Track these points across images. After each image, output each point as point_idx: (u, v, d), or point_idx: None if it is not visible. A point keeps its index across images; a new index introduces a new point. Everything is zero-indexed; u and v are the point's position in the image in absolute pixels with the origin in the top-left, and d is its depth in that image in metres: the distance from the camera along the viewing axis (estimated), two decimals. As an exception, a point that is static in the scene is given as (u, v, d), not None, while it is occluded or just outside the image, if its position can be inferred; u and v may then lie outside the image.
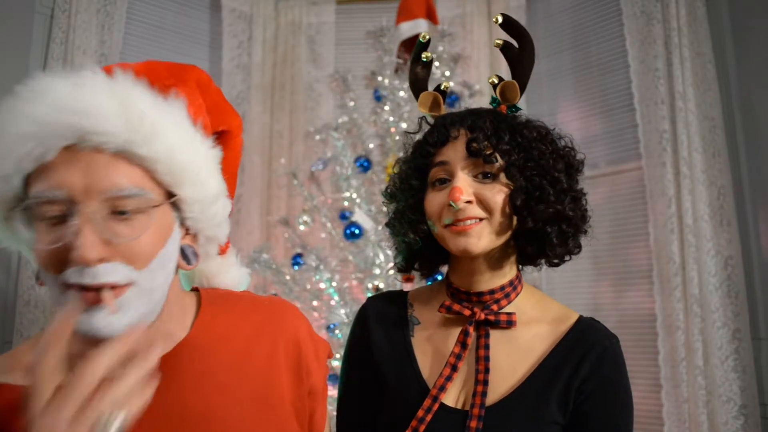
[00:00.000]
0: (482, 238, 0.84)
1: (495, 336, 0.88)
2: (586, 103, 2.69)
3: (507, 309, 0.89)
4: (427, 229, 0.90)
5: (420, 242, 0.91)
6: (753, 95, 2.25)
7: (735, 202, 2.21)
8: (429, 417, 0.83)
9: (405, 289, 1.01)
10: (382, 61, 2.30)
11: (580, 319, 0.90)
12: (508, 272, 0.90)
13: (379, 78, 2.29)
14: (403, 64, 2.38)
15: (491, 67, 2.96)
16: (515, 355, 0.86)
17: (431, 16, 2.48)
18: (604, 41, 2.71)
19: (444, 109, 0.98)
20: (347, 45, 3.11)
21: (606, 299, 2.59)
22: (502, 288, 0.89)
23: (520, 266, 0.94)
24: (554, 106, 2.89)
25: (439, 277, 1.04)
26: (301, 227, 2.20)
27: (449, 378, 0.85)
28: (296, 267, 2.22)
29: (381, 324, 0.95)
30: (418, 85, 1.01)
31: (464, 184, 0.84)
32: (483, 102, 2.51)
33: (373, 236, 1.98)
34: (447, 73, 2.32)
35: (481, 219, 0.84)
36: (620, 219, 2.57)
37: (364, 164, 2.22)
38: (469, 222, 0.84)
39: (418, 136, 0.97)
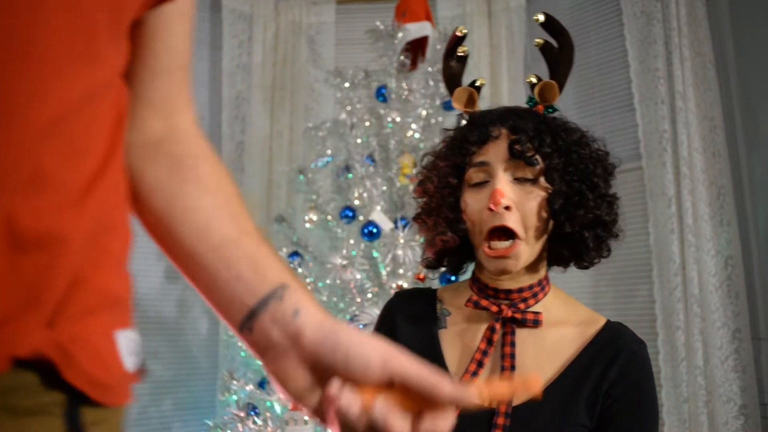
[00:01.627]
0: (520, 258, 0.85)
1: (522, 335, 0.87)
2: (586, 103, 2.69)
3: (534, 309, 0.89)
4: (464, 229, 0.90)
5: (458, 242, 0.91)
6: (753, 95, 2.25)
7: (735, 202, 2.21)
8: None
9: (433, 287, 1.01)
10: (388, 60, 2.29)
11: (608, 323, 0.89)
12: (538, 273, 0.90)
13: (382, 77, 2.28)
14: (410, 63, 2.38)
15: (491, 67, 2.96)
16: (542, 355, 0.86)
17: (429, 19, 2.48)
18: (604, 41, 2.71)
19: (479, 106, 0.97)
20: (347, 45, 3.11)
21: (606, 299, 2.59)
22: (530, 287, 0.89)
23: (549, 267, 0.94)
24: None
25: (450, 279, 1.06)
26: (307, 225, 2.20)
27: (474, 374, 0.85)
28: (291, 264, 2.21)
29: (408, 318, 0.95)
30: (452, 81, 0.99)
31: (505, 186, 0.84)
32: (482, 104, 2.50)
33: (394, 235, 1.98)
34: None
35: (516, 239, 0.84)
36: (620, 219, 2.56)
37: (368, 163, 2.20)
38: (507, 244, 0.84)
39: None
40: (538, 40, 0.95)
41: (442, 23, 3.01)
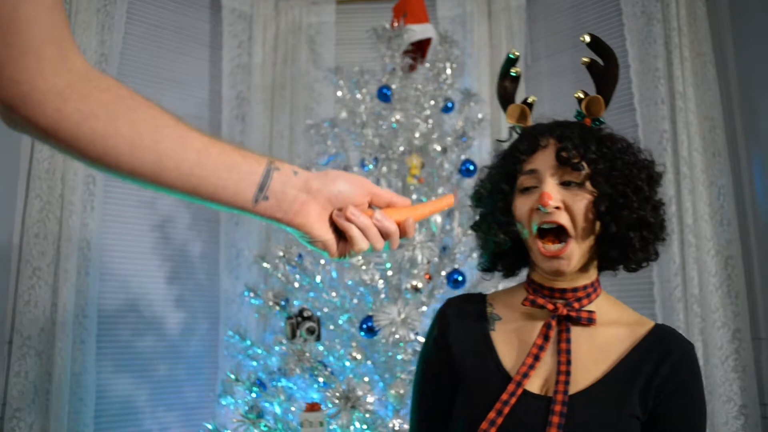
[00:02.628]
0: (572, 258, 0.90)
1: (576, 332, 0.93)
2: (538, 123, 2.69)
3: (587, 308, 0.94)
4: (515, 231, 0.96)
5: (509, 242, 0.97)
6: (753, 95, 2.25)
7: (735, 202, 2.21)
8: (513, 400, 0.87)
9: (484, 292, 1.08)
10: (390, 60, 2.29)
11: (658, 324, 0.95)
12: (590, 275, 0.96)
13: (384, 77, 2.28)
14: (415, 64, 2.38)
15: (491, 66, 2.96)
16: (596, 351, 0.91)
17: (427, 20, 2.49)
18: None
19: (530, 121, 1.04)
20: (347, 45, 3.11)
21: (606, 299, 2.59)
22: (584, 288, 0.95)
23: (599, 272, 1.00)
24: (554, 106, 2.89)
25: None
26: None
27: (531, 367, 0.90)
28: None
29: (460, 321, 1.00)
30: (506, 98, 1.08)
31: (552, 190, 0.90)
32: (481, 105, 2.50)
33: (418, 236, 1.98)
34: (448, 81, 2.32)
35: (568, 237, 0.90)
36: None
37: (372, 164, 2.20)
38: (557, 228, 0.90)
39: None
40: (585, 59, 1.02)
41: (442, 23, 3.02)
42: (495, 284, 2.03)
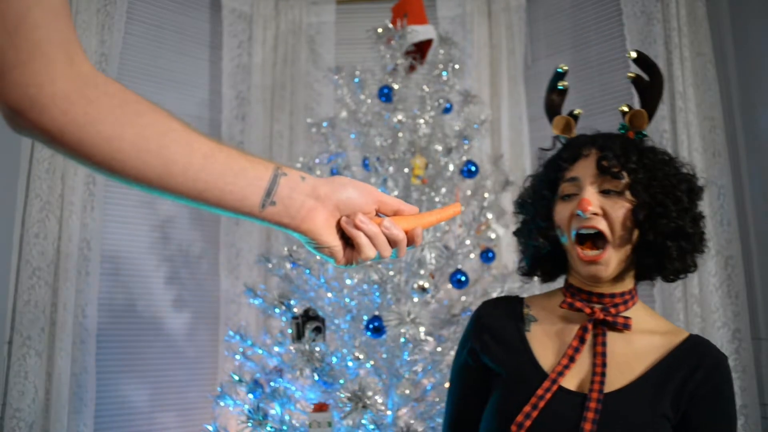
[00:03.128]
0: (609, 264, 0.93)
1: (612, 337, 0.95)
2: (586, 103, 2.69)
3: (624, 314, 0.97)
4: (555, 236, 1.00)
5: (549, 247, 1.00)
6: (753, 95, 2.25)
7: (735, 202, 2.21)
8: (548, 395, 0.90)
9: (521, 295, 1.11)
10: (391, 60, 2.29)
11: (693, 335, 0.98)
12: (627, 282, 0.98)
13: (385, 77, 2.28)
14: (414, 65, 2.38)
15: (491, 67, 2.96)
16: (631, 356, 0.94)
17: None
18: (604, 41, 2.71)
19: (575, 132, 1.09)
20: (347, 45, 3.11)
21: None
22: (621, 294, 0.97)
23: (636, 282, 1.02)
24: (554, 136, 2.88)
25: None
26: None
27: (567, 366, 0.93)
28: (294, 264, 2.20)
29: (495, 323, 1.03)
30: (552, 110, 1.12)
31: (592, 196, 0.93)
32: (478, 109, 2.50)
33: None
34: (450, 83, 2.32)
35: (606, 243, 0.93)
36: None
37: (369, 164, 2.20)
38: (595, 233, 0.93)
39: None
40: (630, 74, 1.06)
41: (442, 23, 3.02)
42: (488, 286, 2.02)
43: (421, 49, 2.46)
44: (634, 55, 1.06)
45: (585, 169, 0.96)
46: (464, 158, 2.26)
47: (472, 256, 2.16)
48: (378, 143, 2.23)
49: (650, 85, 1.05)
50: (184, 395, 2.78)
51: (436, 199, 2.18)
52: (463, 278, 2.11)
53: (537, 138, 2.87)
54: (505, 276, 2.24)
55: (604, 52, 2.70)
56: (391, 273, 1.99)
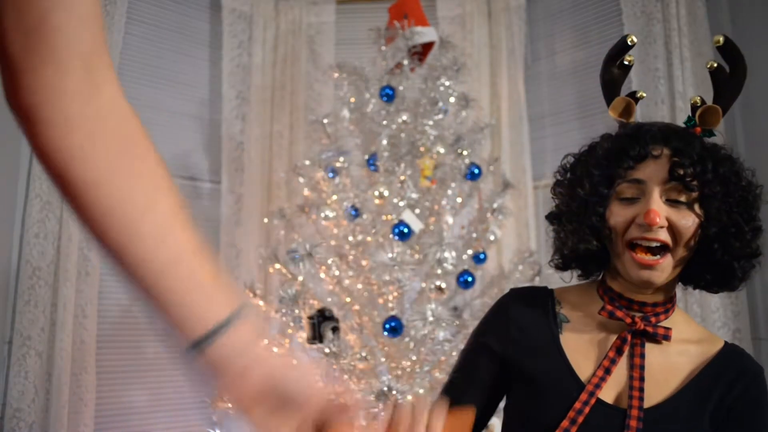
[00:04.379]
0: (665, 272, 0.85)
1: (649, 347, 0.90)
2: (586, 103, 2.69)
3: (664, 324, 0.91)
4: (606, 237, 0.90)
5: (599, 248, 0.91)
6: (753, 95, 2.25)
7: (735, 202, 2.21)
8: (587, 409, 0.85)
9: (550, 287, 1.01)
10: (392, 59, 2.29)
11: (728, 344, 0.92)
12: (671, 290, 0.92)
13: (386, 79, 2.28)
14: (417, 66, 2.38)
15: (491, 67, 2.96)
16: (668, 368, 0.89)
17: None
18: (604, 41, 2.71)
19: (635, 117, 0.98)
20: (347, 45, 3.11)
21: (606, 299, 2.59)
22: (664, 303, 0.91)
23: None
24: (554, 106, 2.89)
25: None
26: (323, 222, 2.19)
27: (603, 379, 0.87)
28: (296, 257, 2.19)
29: (524, 313, 0.95)
30: (612, 87, 1.00)
31: (660, 206, 0.84)
32: (475, 114, 2.50)
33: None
34: (446, 83, 2.32)
35: (665, 249, 0.85)
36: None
37: (377, 162, 2.18)
38: (654, 244, 0.84)
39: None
40: (711, 63, 0.96)
41: (441, 23, 3.02)
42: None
43: (421, 51, 2.46)
44: (721, 40, 0.93)
45: (654, 172, 0.85)
46: (467, 161, 2.25)
47: (464, 257, 2.16)
48: (382, 144, 2.23)
49: (731, 79, 0.94)
50: (184, 395, 2.78)
51: (443, 202, 2.20)
52: (470, 279, 2.12)
53: (537, 138, 2.87)
54: (499, 278, 2.25)
55: (604, 52, 2.67)
56: (407, 275, 1.98)
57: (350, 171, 2.27)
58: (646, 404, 0.85)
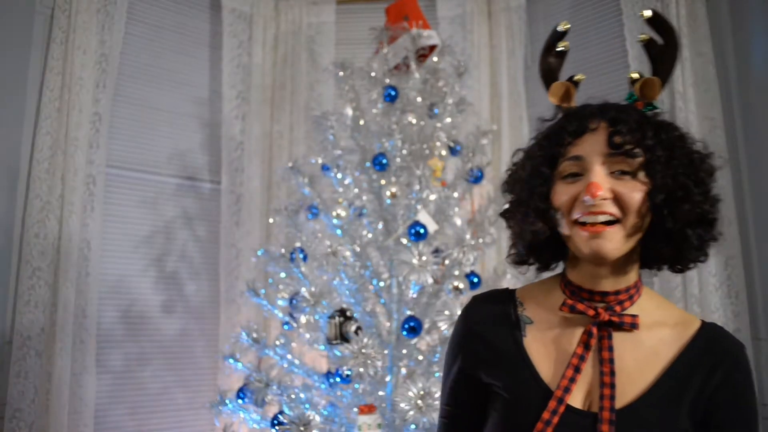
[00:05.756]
0: (616, 242, 0.80)
1: (618, 339, 0.85)
2: (586, 103, 2.69)
3: (630, 311, 0.86)
4: (554, 220, 0.85)
5: (548, 232, 0.86)
6: (753, 95, 2.25)
7: (735, 202, 2.21)
8: (555, 419, 0.80)
9: (511, 287, 0.98)
10: (394, 60, 2.29)
11: (705, 324, 0.88)
12: (632, 275, 0.87)
13: (391, 79, 2.28)
14: (419, 66, 2.38)
15: (491, 67, 2.96)
16: (641, 358, 0.84)
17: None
18: (604, 41, 2.71)
19: (575, 102, 0.95)
20: (347, 45, 3.11)
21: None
22: (627, 289, 0.86)
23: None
24: (554, 106, 2.88)
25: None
26: (335, 221, 2.19)
27: (572, 380, 0.82)
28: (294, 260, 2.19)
29: (487, 325, 0.92)
30: (549, 75, 0.97)
31: (601, 179, 0.81)
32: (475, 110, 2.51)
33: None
34: (445, 89, 2.32)
35: (614, 221, 0.81)
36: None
37: (383, 162, 2.18)
38: (601, 218, 0.80)
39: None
40: (643, 36, 0.94)
41: (442, 24, 3.02)
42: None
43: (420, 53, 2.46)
44: (648, 13, 0.93)
45: (593, 145, 0.83)
46: (469, 165, 2.26)
47: (471, 258, 2.17)
48: (391, 144, 2.23)
49: (665, 49, 0.91)
50: (184, 396, 2.78)
51: (451, 203, 2.21)
52: (475, 279, 2.13)
53: (537, 138, 2.87)
54: (500, 278, 2.26)
55: (604, 52, 2.70)
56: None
57: (355, 170, 2.27)
58: (619, 403, 0.81)
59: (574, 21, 2.84)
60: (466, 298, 2.05)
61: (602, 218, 0.80)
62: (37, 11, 2.48)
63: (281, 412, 1.89)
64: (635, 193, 0.80)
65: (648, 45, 0.94)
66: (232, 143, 2.96)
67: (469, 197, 2.30)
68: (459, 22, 3.02)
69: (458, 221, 2.23)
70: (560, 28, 0.96)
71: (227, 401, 2.03)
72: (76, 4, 2.48)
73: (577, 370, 0.83)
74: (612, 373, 0.81)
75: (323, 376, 2.03)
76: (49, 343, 2.30)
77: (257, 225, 2.93)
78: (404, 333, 1.91)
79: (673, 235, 0.82)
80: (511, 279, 2.20)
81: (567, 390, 0.82)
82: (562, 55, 0.97)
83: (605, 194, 0.80)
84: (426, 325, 2.04)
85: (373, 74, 2.31)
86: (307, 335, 2.11)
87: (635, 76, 0.93)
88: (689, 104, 2.28)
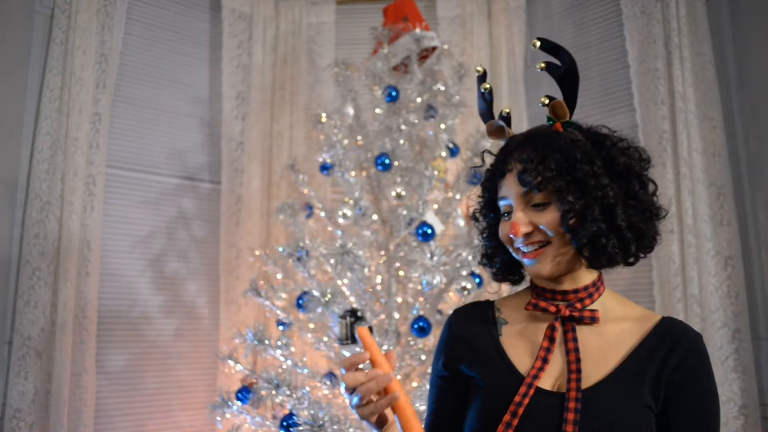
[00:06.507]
0: (549, 262, 0.93)
1: (583, 332, 0.95)
2: (586, 103, 2.69)
3: (592, 307, 0.96)
4: (505, 251, 1.01)
5: (500, 263, 1.04)
6: (753, 95, 2.25)
7: (735, 202, 2.21)
8: (526, 401, 0.89)
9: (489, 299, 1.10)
10: (395, 60, 2.29)
11: (665, 317, 0.97)
12: (588, 276, 0.97)
13: (392, 79, 2.28)
14: (419, 66, 2.38)
15: (491, 67, 2.96)
16: (605, 347, 0.94)
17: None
18: (604, 41, 2.71)
19: (510, 132, 1.04)
20: (347, 45, 3.11)
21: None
22: (585, 288, 0.96)
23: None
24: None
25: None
26: (341, 220, 2.18)
27: (541, 368, 0.92)
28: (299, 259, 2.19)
29: (468, 328, 1.03)
30: (486, 117, 1.09)
31: (521, 217, 0.93)
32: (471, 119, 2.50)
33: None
34: (442, 88, 2.32)
35: (546, 243, 0.93)
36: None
37: (385, 162, 2.17)
38: (536, 247, 0.93)
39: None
40: (540, 64, 1.01)
41: (441, 24, 3.02)
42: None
43: (425, 53, 2.47)
44: (537, 44, 1.02)
45: (510, 186, 0.95)
46: (470, 166, 2.26)
47: (471, 257, 2.17)
48: (389, 147, 2.23)
49: (564, 71, 1.00)
50: (184, 396, 2.78)
51: (452, 203, 2.21)
52: (477, 280, 2.13)
53: (537, 138, 2.88)
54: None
55: (604, 52, 2.70)
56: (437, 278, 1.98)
57: (357, 170, 2.28)
58: (585, 384, 0.89)
59: (575, 21, 2.84)
60: (472, 297, 2.06)
61: (533, 246, 0.93)
62: (37, 11, 2.48)
63: (292, 414, 1.89)
64: (551, 221, 0.92)
65: (549, 70, 1.02)
66: (232, 143, 2.96)
67: (467, 199, 2.30)
68: (459, 22, 3.03)
69: (461, 222, 2.24)
70: (477, 72, 1.10)
71: (229, 402, 2.03)
72: (76, 4, 2.48)
73: (545, 360, 0.93)
74: (578, 360, 0.91)
75: (326, 376, 2.03)
76: (49, 343, 2.30)
77: (257, 225, 2.93)
78: (414, 332, 1.92)
79: (589, 247, 0.91)
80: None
81: (536, 377, 0.92)
82: (488, 94, 1.08)
83: (525, 229, 0.92)
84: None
85: (374, 73, 2.31)
86: (309, 335, 2.11)
87: (545, 101, 1.01)
88: (689, 104, 2.28)
